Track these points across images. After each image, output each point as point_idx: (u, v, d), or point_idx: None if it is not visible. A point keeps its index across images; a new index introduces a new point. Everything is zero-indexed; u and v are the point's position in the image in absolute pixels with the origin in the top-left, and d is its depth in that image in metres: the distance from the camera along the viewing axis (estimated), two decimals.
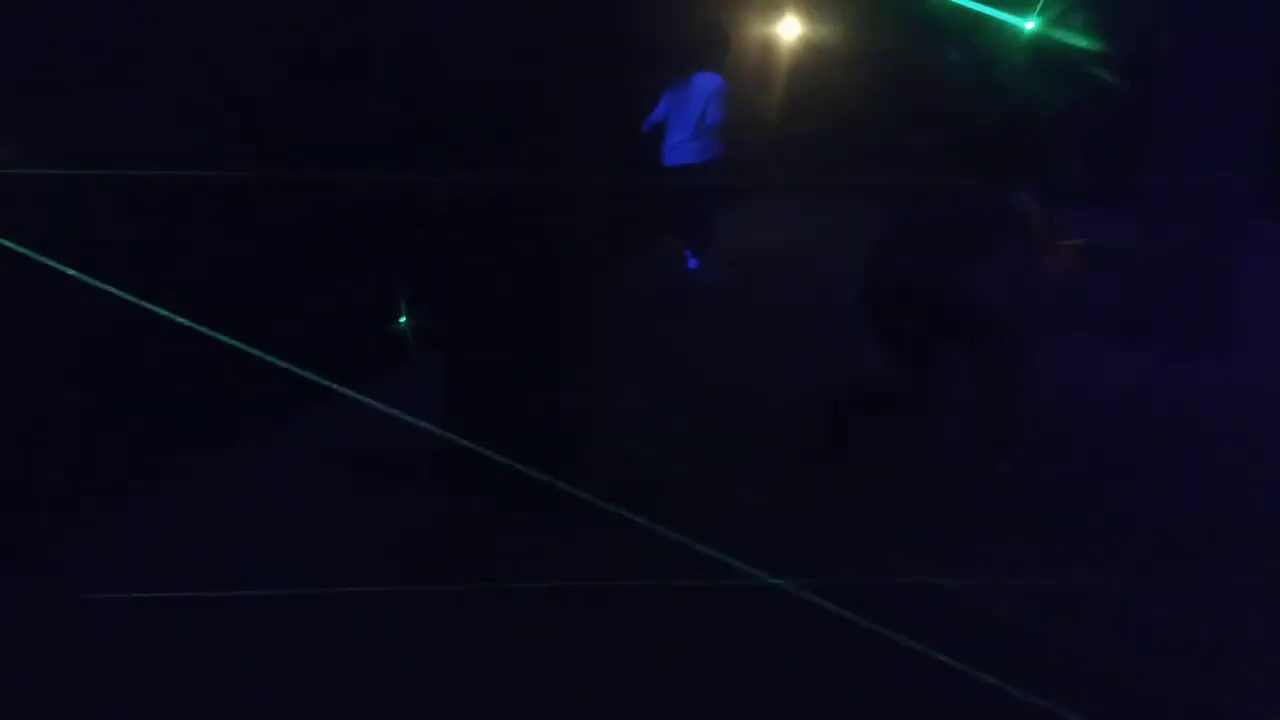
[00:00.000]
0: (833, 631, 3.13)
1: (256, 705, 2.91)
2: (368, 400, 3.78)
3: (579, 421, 4.19)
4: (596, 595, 3.42)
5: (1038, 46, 7.59)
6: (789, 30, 9.40)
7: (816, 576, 3.36)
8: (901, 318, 4.35)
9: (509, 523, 3.89)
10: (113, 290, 3.36)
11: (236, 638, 3.21)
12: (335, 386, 3.63)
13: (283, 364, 3.49)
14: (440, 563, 3.69)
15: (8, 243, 3.28)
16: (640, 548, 3.55)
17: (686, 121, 7.25)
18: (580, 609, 3.37)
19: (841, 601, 3.10)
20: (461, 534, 3.90)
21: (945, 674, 2.92)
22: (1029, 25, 7.20)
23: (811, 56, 9.52)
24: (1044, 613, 3.23)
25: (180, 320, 3.45)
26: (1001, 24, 7.42)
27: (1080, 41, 7.58)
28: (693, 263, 7.68)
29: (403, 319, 5.05)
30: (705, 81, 7.24)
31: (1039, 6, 6.90)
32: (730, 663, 3.13)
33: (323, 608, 3.33)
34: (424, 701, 2.96)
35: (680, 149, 7.31)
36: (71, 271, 3.35)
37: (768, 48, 9.69)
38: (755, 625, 3.31)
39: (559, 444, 4.03)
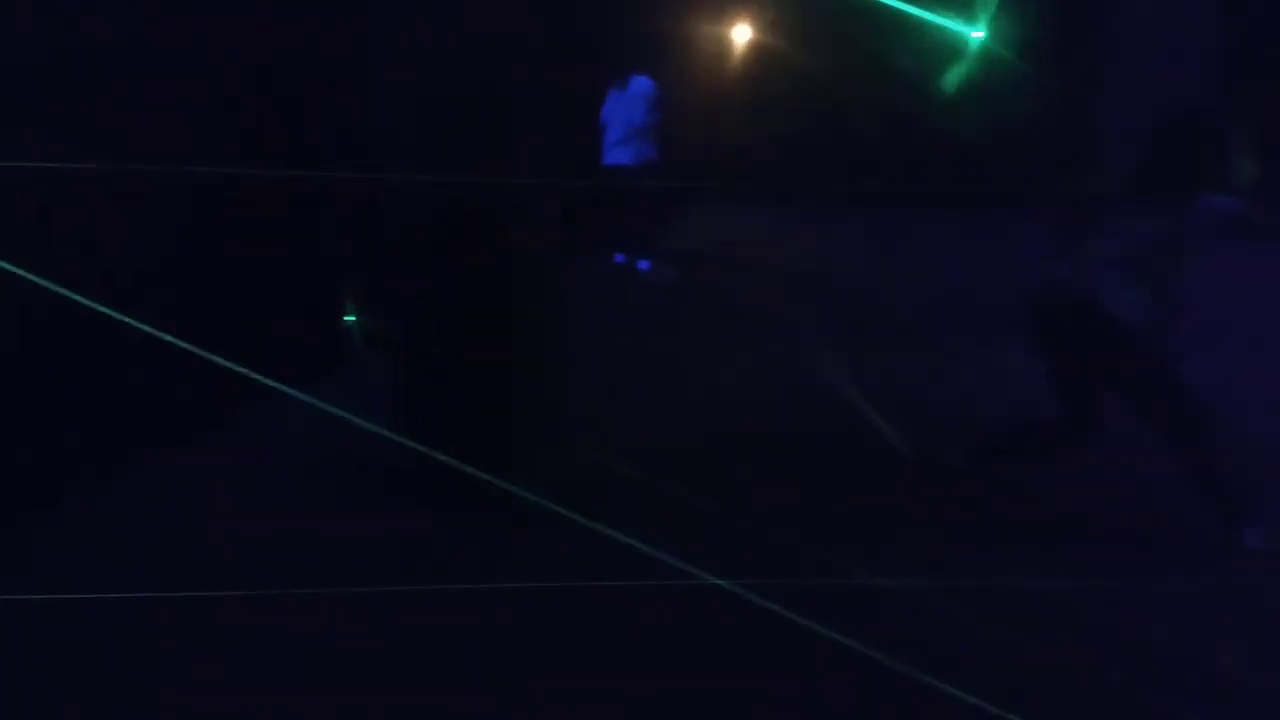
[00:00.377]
0: (778, 633, 3.11)
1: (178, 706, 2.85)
2: (311, 400, 3.70)
3: (525, 422, 4.15)
4: (539, 596, 3.40)
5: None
6: (734, 35, 9.43)
7: (769, 577, 3.36)
8: (1086, 349, 3.91)
9: (454, 524, 3.83)
10: (51, 286, 3.25)
11: (170, 640, 3.15)
12: (278, 387, 3.54)
13: (224, 363, 3.40)
14: (383, 565, 3.64)
15: None
16: (587, 549, 3.51)
17: (620, 124, 7.37)
18: (524, 611, 3.34)
19: (787, 602, 3.09)
20: (407, 536, 3.83)
21: (890, 675, 2.92)
22: (976, 35, 7.31)
23: (757, 61, 9.57)
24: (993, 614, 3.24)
25: (121, 318, 3.35)
26: (951, 32, 7.54)
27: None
28: (642, 264, 7.70)
29: (349, 319, 4.97)
30: (638, 85, 7.35)
31: (987, 17, 7.01)
32: (670, 663, 3.13)
33: (261, 609, 3.28)
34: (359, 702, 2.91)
35: (614, 151, 7.42)
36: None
37: (714, 52, 9.71)
38: (698, 626, 3.29)
39: (505, 445, 3.99)
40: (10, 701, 2.86)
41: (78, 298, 3.29)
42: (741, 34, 9.27)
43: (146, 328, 3.34)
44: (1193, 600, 3.55)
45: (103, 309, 3.32)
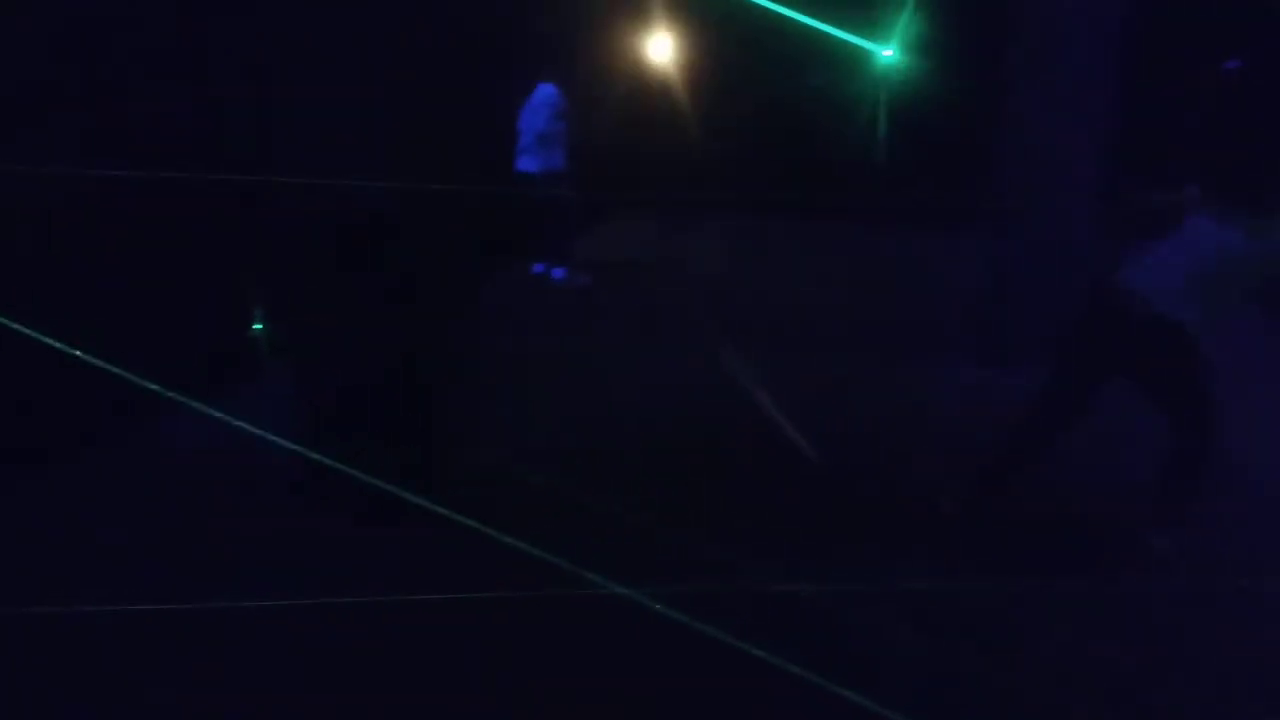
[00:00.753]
0: (681, 639, 3.11)
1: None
2: (209, 410, 3.59)
3: (431, 431, 4.10)
4: (441, 608, 3.36)
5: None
6: (645, 46, 9.47)
7: (672, 584, 3.36)
8: (1120, 354, 3.90)
9: (355, 535, 3.76)
10: None
11: (58, 653, 3.05)
12: (177, 397, 3.43)
13: (120, 372, 3.28)
14: (281, 576, 3.54)
15: None
16: (490, 559, 3.47)
17: (527, 132, 7.36)
18: (425, 622, 3.30)
19: (687, 609, 3.10)
20: (308, 546, 3.75)
21: (791, 680, 2.94)
22: (887, 53, 7.45)
23: (668, 72, 9.63)
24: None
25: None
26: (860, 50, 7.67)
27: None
28: (556, 272, 7.68)
29: (257, 326, 4.84)
30: (544, 93, 7.35)
31: (896, 34, 7.15)
32: (563, 670, 3.11)
33: (153, 623, 3.19)
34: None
35: (521, 158, 7.41)
36: None
37: (625, 62, 9.74)
38: (595, 634, 3.28)
39: (410, 454, 3.92)
40: None
41: None
42: (652, 45, 9.31)
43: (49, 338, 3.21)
44: (1093, 602, 3.64)
45: None
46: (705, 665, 3.11)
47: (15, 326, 3.21)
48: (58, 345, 3.27)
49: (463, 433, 4.29)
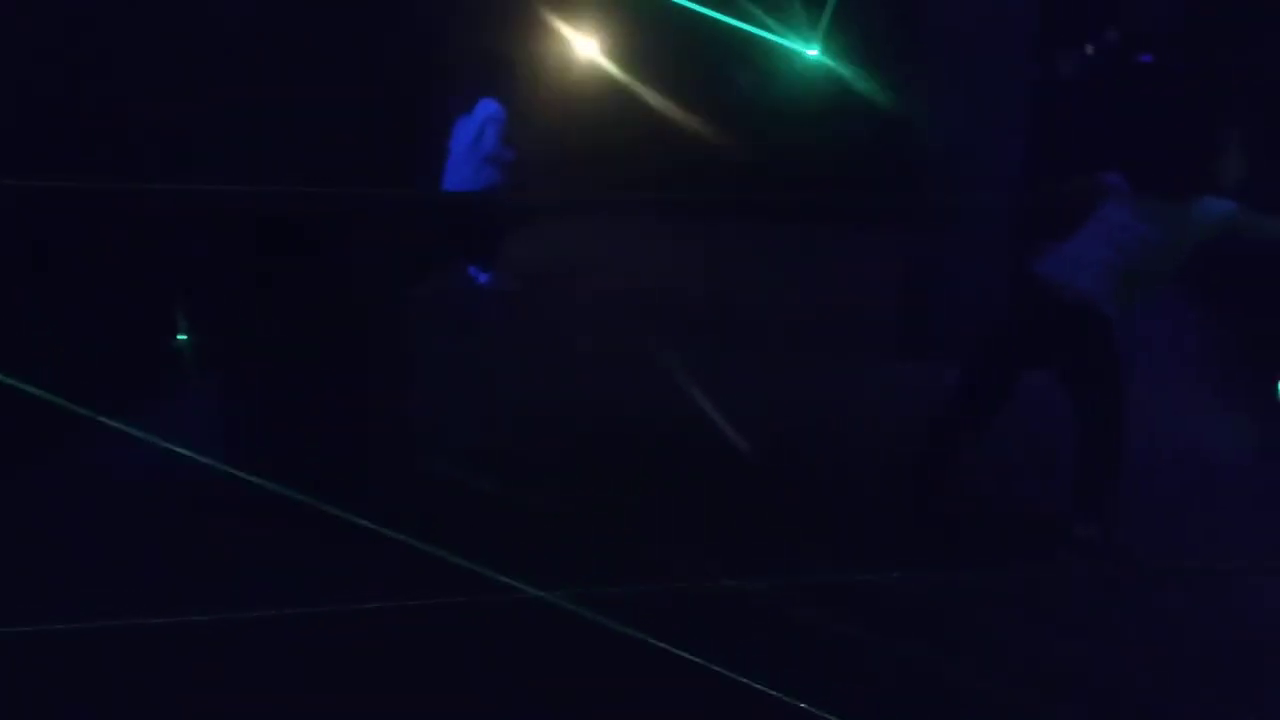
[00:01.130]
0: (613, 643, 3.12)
1: None
2: (124, 428, 3.52)
3: (356, 440, 4.06)
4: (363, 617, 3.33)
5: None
6: (572, 49, 9.47)
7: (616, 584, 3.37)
8: (1041, 345, 3.97)
9: (274, 542, 3.71)
10: None
11: None
12: (92, 414, 3.36)
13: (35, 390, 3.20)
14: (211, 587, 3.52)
15: None
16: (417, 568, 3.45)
17: (462, 149, 7.32)
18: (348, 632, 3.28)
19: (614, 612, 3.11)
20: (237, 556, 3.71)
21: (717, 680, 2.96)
22: (811, 52, 7.53)
23: (595, 76, 9.66)
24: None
25: None
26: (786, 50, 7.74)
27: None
28: (482, 277, 7.64)
29: (181, 336, 4.75)
30: (484, 108, 7.32)
31: (820, 34, 7.22)
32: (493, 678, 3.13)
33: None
34: None
35: (454, 173, 7.36)
36: None
37: (553, 67, 9.74)
38: (526, 639, 3.30)
39: (334, 464, 3.88)
40: None
41: None
42: (579, 48, 9.31)
43: None
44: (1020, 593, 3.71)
45: None
46: (627, 666, 3.11)
47: None
48: None
49: (388, 439, 4.26)
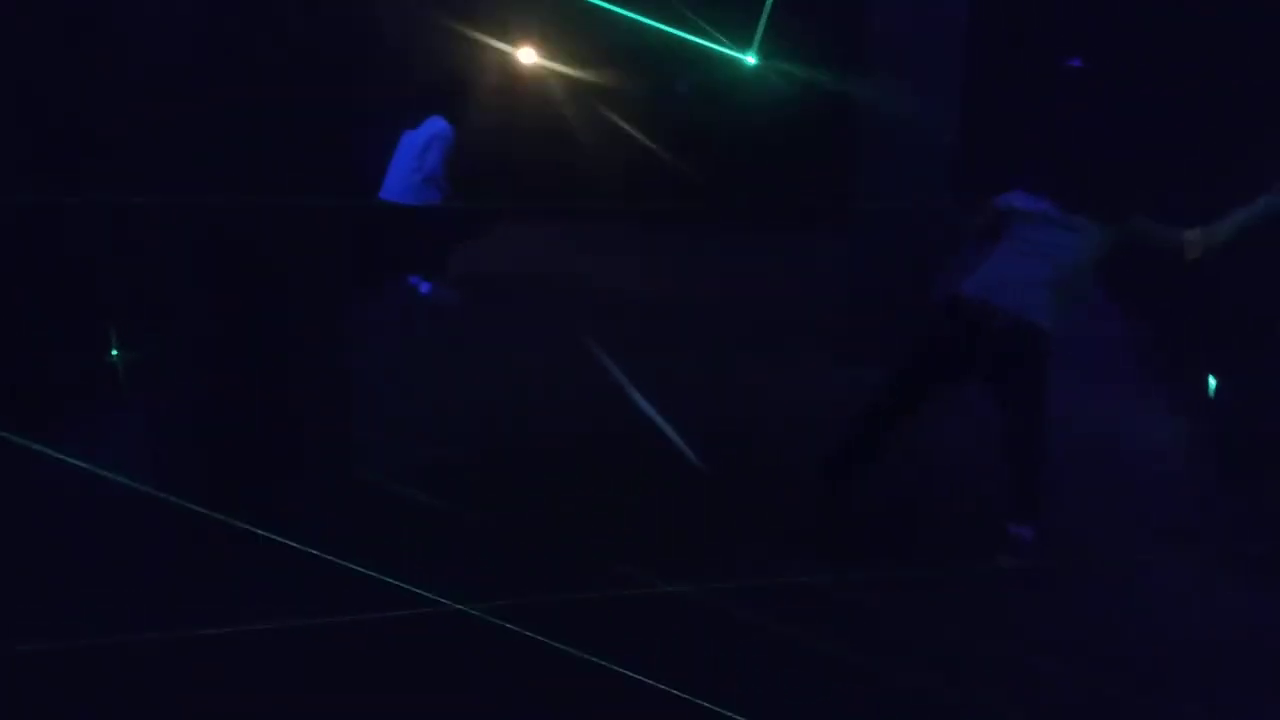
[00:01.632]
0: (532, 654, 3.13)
1: None
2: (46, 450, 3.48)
3: (302, 450, 4.03)
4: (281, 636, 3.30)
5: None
6: (516, 56, 9.47)
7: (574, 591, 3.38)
8: (971, 357, 4.01)
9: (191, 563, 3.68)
10: None
11: None
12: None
13: None
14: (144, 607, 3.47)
15: None
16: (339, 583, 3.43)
17: (405, 163, 7.31)
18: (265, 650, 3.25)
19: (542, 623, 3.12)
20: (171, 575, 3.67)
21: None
22: (750, 60, 7.59)
23: (540, 84, 9.66)
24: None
25: None
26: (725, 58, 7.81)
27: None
28: (424, 287, 7.60)
29: (115, 351, 4.67)
30: (432, 126, 7.32)
31: (757, 42, 7.29)
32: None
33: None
34: None
35: (394, 188, 7.35)
36: None
37: (499, 75, 9.73)
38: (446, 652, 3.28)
39: (254, 479, 3.85)
40: None
41: None
42: (523, 56, 9.31)
43: None
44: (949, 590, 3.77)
45: None
46: (544, 673, 3.11)
47: None
48: None
49: (322, 451, 4.23)
